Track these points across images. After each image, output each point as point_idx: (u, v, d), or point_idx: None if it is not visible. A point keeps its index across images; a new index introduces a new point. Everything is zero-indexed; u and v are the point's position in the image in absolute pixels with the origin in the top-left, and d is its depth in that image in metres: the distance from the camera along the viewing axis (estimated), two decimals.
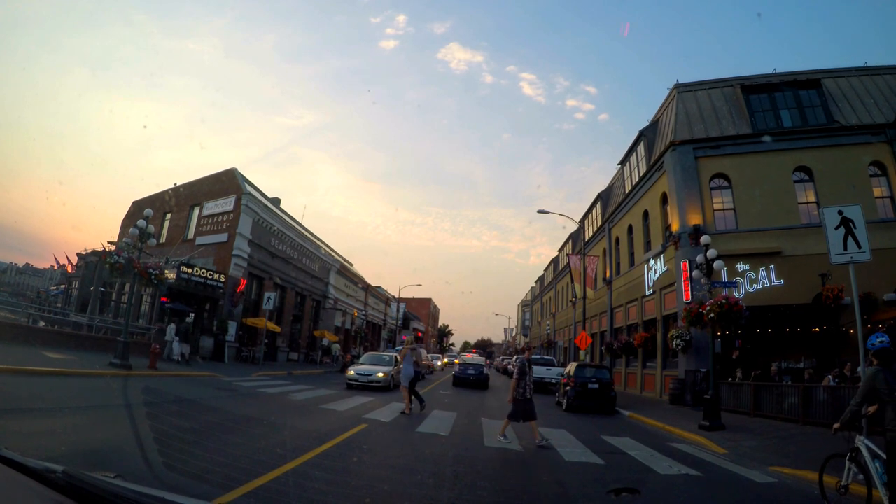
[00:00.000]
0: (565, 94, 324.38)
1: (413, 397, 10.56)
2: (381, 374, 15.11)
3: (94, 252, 23.34)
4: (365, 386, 14.76)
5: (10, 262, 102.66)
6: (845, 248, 7.29)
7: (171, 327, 17.79)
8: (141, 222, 13.21)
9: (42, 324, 20.58)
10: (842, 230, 7.29)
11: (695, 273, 11.16)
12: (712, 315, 10.08)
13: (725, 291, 12.38)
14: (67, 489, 1.36)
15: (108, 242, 20.08)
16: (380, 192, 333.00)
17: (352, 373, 15.41)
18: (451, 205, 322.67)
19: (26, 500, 1.33)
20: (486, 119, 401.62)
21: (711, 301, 10.28)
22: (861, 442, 4.80)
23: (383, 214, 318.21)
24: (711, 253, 10.74)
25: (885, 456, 4.53)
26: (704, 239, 11.14)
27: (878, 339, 4.64)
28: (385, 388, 15.00)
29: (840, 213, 7.32)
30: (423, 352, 12.93)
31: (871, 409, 4.72)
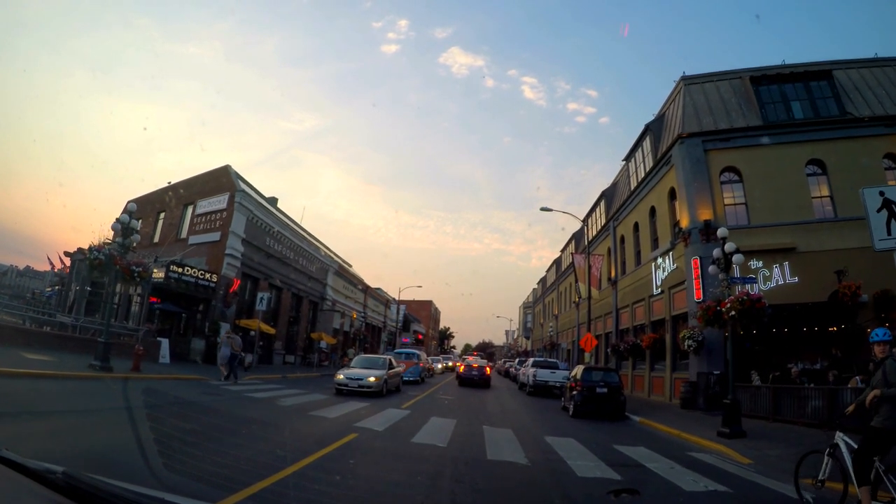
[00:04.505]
0: (566, 98, 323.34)
1: (230, 371, 14.19)
2: (372, 379, 13.84)
3: (80, 250, 22.74)
4: (355, 391, 13.59)
5: (11, 265, 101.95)
6: (889, 233, 6.54)
7: (237, 338, 18.56)
8: (123, 217, 12.52)
9: (31, 325, 19.92)
10: (884, 213, 6.52)
11: (711, 268, 10.43)
12: (733, 313, 9.34)
13: (739, 289, 11.64)
14: (67, 490, 1.36)
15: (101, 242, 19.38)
16: (381, 194, 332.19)
17: (341, 377, 14.03)
18: (453, 208, 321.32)
19: (26, 500, 1.33)
20: (487, 122, 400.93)
21: (732, 298, 9.54)
22: (840, 438, 4.96)
23: (385, 217, 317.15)
24: (729, 246, 10.00)
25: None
26: (721, 232, 10.41)
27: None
28: (378, 393, 13.83)
29: (882, 194, 6.57)
30: (238, 339, 15.11)
31: (850, 408, 5.06)
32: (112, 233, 12.82)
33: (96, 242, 12.41)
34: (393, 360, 17.40)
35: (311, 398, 12.06)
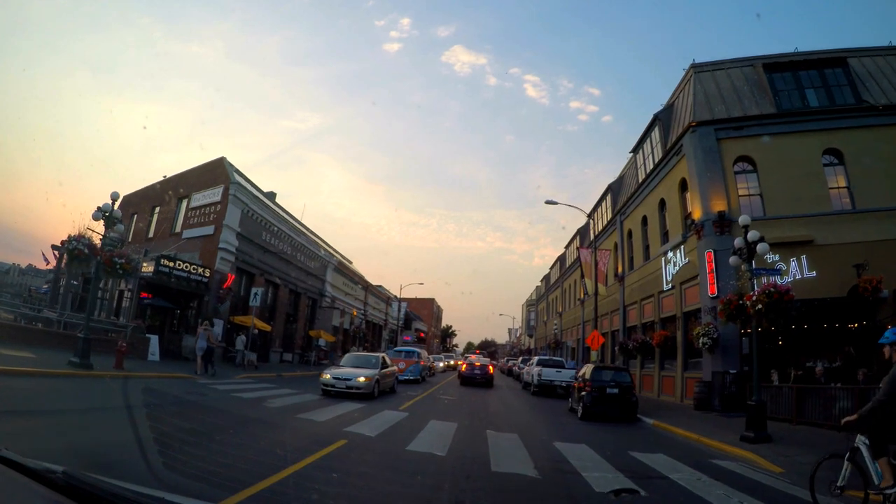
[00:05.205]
0: (569, 97, 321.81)
1: (206, 364, 14.55)
2: (362, 379, 12.48)
3: (64, 243, 22.10)
4: (343, 392, 12.25)
5: (13, 263, 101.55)
6: None
7: (242, 338, 19.89)
8: (105, 205, 11.78)
9: (24, 321, 19.30)
10: None
11: (732, 259, 9.68)
12: (759, 306, 8.57)
13: (756, 284, 10.86)
14: (67, 489, 1.35)
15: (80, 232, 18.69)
16: (384, 193, 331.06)
17: (327, 376, 12.62)
18: (455, 206, 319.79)
19: (26, 500, 1.32)
20: (489, 121, 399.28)
21: (759, 290, 8.77)
22: (861, 442, 4.62)
23: (387, 216, 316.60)
24: (753, 235, 9.25)
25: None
26: (743, 219, 9.67)
27: None
28: (368, 395, 12.51)
29: None
30: (217, 332, 15.23)
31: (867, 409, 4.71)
32: (95, 224, 12.15)
33: (76, 233, 11.70)
34: (387, 359, 16.18)
35: (302, 399, 11.33)
